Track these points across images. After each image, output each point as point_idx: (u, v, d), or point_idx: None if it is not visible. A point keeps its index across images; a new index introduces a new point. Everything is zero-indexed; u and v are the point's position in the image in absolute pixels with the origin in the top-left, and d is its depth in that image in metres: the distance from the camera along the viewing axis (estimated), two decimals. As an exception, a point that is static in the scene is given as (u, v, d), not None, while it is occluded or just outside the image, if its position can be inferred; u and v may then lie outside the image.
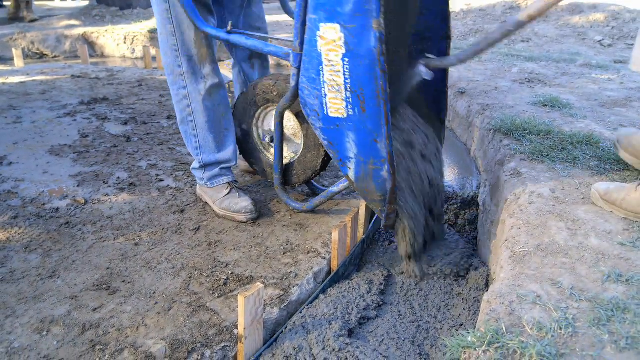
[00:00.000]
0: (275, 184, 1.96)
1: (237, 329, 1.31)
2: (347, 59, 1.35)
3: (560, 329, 1.05)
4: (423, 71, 1.61)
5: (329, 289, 1.60)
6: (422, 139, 1.79)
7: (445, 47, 1.78)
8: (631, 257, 1.30)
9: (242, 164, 2.32)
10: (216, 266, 1.63)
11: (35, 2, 7.64)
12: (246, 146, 2.08)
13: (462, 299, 1.61)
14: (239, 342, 1.26)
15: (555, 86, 3.28)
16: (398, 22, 1.52)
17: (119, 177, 2.25)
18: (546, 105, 2.70)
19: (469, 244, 1.95)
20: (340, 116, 1.46)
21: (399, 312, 1.58)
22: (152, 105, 3.39)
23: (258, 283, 1.25)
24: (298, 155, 1.93)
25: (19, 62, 4.79)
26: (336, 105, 1.45)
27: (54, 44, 6.20)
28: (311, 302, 1.53)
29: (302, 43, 1.48)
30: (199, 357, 1.25)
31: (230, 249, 1.74)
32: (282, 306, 1.46)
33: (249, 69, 2.15)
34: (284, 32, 6.29)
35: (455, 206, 2.26)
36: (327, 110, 1.48)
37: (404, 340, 1.45)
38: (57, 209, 1.96)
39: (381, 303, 1.60)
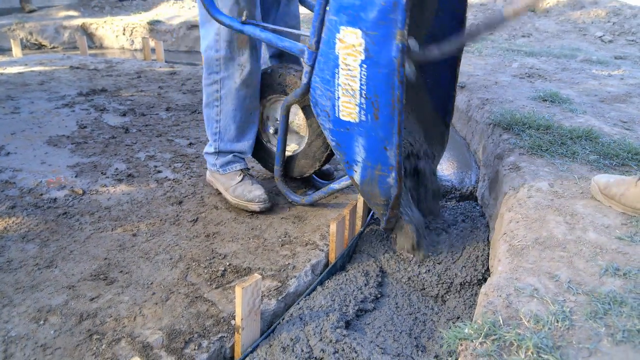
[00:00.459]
0: (275, 176, 1.96)
1: (235, 319, 1.31)
2: (365, 66, 1.33)
3: (557, 321, 1.05)
4: (412, 44, 1.53)
5: (327, 281, 1.61)
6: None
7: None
8: (629, 251, 1.30)
9: None
10: (214, 257, 1.63)
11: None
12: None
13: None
14: (236, 333, 1.26)
15: (555, 81, 3.28)
16: (414, 20, 1.50)
17: (117, 168, 2.24)
18: (546, 100, 2.70)
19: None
20: (351, 120, 1.44)
21: (396, 304, 1.58)
22: (150, 97, 3.38)
23: (256, 274, 1.25)
24: (301, 148, 1.93)
25: (17, 53, 4.77)
26: (349, 109, 1.43)
27: (53, 34, 6.17)
28: (308, 294, 1.53)
29: (318, 42, 1.46)
30: (196, 347, 1.25)
31: (228, 241, 1.73)
32: (280, 298, 1.46)
33: None
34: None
35: (454, 200, 2.26)
36: (338, 112, 1.46)
37: (400, 332, 1.45)
38: (55, 199, 1.95)
39: (379, 295, 1.60)
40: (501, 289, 1.18)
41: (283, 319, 1.41)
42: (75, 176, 2.14)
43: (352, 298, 1.52)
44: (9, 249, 1.62)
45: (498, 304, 1.13)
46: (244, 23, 1.71)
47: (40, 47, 6.08)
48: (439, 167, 2.65)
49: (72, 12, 6.95)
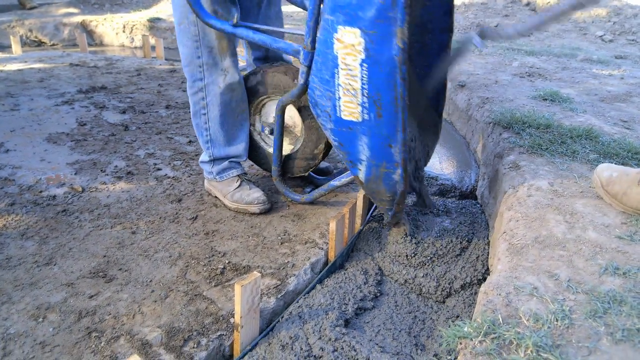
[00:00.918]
0: (273, 176, 1.95)
1: (234, 317, 1.31)
2: (366, 65, 1.31)
3: (557, 320, 1.05)
4: (477, 40, 1.48)
5: (326, 280, 1.60)
6: None
7: (447, 40, 1.76)
8: (628, 250, 1.30)
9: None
10: (213, 255, 1.63)
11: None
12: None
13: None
14: (235, 331, 1.26)
15: (555, 80, 3.28)
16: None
17: (116, 166, 2.24)
18: (546, 99, 2.70)
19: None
20: (354, 120, 1.42)
21: (396, 302, 1.58)
22: (150, 95, 3.38)
23: (255, 272, 1.25)
24: (298, 147, 1.93)
25: (16, 50, 4.75)
26: (350, 108, 1.41)
27: (52, 31, 6.16)
28: (308, 292, 1.52)
29: (313, 41, 1.44)
30: (195, 345, 1.25)
31: (227, 239, 1.73)
32: (279, 296, 1.46)
33: None
34: (286, 23, 6.25)
35: (454, 199, 2.26)
36: (340, 112, 1.44)
37: (400, 331, 1.45)
38: (54, 196, 1.95)
39: (378, 294, 1.60)
40: (501, 287, 1.17)
41: (282, 317, 1.41)
42: (75, 173, 2.14)
43: (351, 296, 1.52)
44: (8, 246, 1.62)
45: (497, 302, 1.13)
46: (235, 26, 1.69)
47: (39, 44, 6.06)
48: (438, 166, 2.66)
49: (72, 9, 6.93)
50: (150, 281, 1.49)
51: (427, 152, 1.89)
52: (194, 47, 1.75)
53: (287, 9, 6.92)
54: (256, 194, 1.90)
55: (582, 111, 2.49)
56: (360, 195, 1.81)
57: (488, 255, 1.66)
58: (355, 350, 1.27)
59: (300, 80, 1.59)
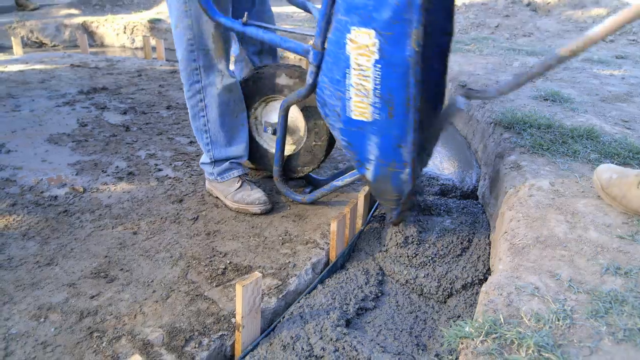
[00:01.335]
0: (275, 176, 1.96)
1: (235, 317, 1.31)
2: (379, 66, 1.31)
3: (558, 320, 1.05)
4: (461, 101, 1.52)
5: (327, 280, 1.60)
6: None
7: (447, 43, 1.75)
8: (630, 250, 1.30)
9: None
10: (214, 255, 1.63)
11: (35, -9, 7.58)
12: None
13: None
14: (236, 331, 1.26)
15: (556, 80, 3.27)
16: None
17: (117, 166, 2.24)
18: (547, 99, 2.70)
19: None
20: (364, 119, 1.42)
21: (397, 302, 1.58)
22: (151, 95, 3.38)
23: (256, 272, 1.25)
24: (301, 146, 1.93)
25: (18, 51, 4.76)
26: (361, 108, 1.40)
27: (54, 32, 6.16)
28: (309, 293, 1.53)
29: (324, 41, 1.44)
30: (197, 345, 1.25)
31: (228, 239, 1.73)
32: (280, 296, 1.46)
33: (258, 63, 2.11)
34: (284, 23, 6.25)
35: (455, 199, 2.26)
36: (350, 112, 1.43)
37: (401, 331, 1.45)
38: (56, 197, 1.95)
39: (379, 294, 1.60)
40: (502, 287, 1.17)
41: (283, 317, 1.41)
42: (76, 174, 2.14)
43: (352, 296, 1.52)
44: (9, 246, 1.62)
45: (499, 302, 1.13)
46: (245, 24, 1.69)
47: (41, 45, 6.07)
48: (439, 166, 2.66)
49: (73, 11, 6.94)
50: (152, 281, 1.49)
51: (427, 153, 1.89)
52: (189, 51, 1.75)
53: (287, 9, 6.93)
54: (257, 194, 1.90)
55: (583, 111, 2.49)
56: (361, 195, 1.81)
57: (489, 255, 1.66)
58: (356, 351, 1.27)
59: (309, 79, 1.58)
